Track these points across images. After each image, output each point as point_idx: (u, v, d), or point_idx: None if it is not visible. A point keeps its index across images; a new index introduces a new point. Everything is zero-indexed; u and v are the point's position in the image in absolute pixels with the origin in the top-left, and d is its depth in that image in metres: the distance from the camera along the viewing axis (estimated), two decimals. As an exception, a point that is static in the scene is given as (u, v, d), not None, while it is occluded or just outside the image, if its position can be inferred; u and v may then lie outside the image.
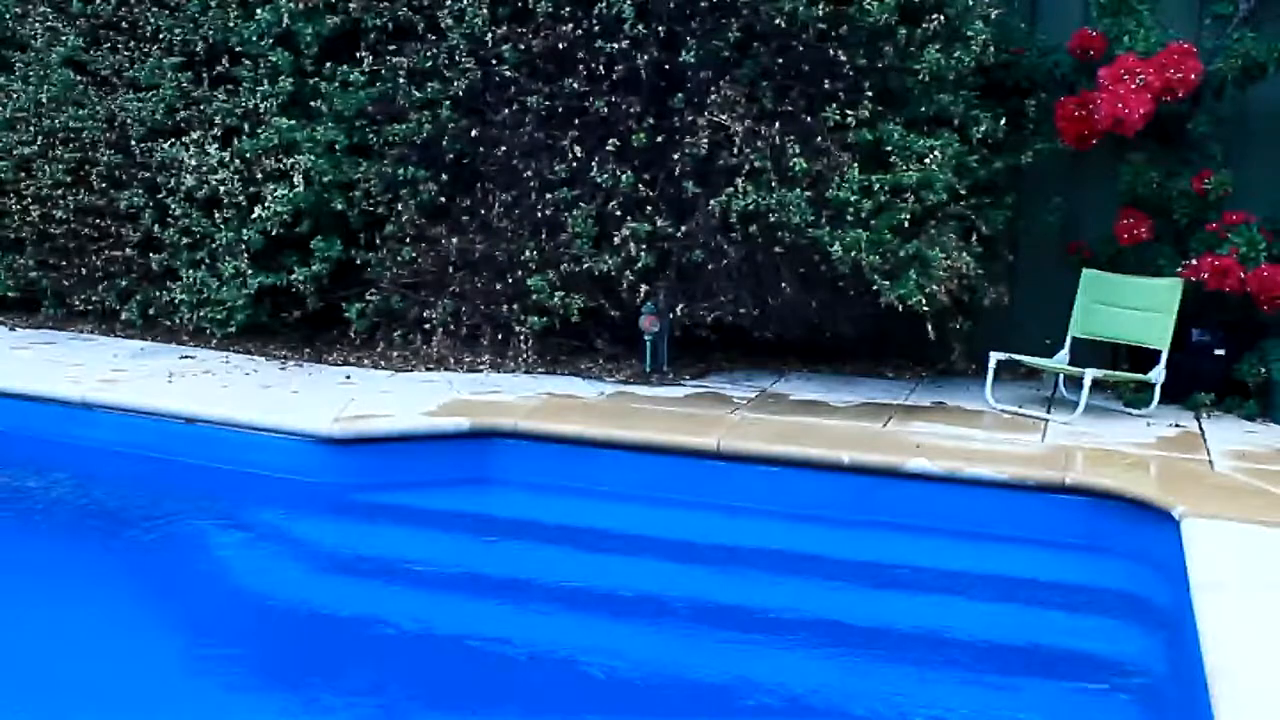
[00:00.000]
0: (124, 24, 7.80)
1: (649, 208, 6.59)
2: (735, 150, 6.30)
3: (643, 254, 6.59)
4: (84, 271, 8.00)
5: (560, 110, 6.74)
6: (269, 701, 3.81)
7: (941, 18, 6.24)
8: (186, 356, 7.32)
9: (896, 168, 6.19)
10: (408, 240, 7.19)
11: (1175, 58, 6.25)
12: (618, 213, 6.62)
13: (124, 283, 7.91)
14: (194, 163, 7.39)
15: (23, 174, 8.03)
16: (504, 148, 6.82)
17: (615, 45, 6.48)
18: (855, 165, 6.16)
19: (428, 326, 7.20)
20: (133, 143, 7.66)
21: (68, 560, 4.86)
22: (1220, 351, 6.50)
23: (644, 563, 5.06)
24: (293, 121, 7.19)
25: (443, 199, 7.10)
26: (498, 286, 6.98)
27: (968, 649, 4.30)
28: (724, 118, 6.29)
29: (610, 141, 6.57)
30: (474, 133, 6.89)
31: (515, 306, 6.99)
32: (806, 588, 4.80)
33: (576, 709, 3.77)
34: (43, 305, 8.40)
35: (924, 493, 5.22)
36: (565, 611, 4.56)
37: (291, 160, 7.17)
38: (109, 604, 4.42)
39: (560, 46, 6.62)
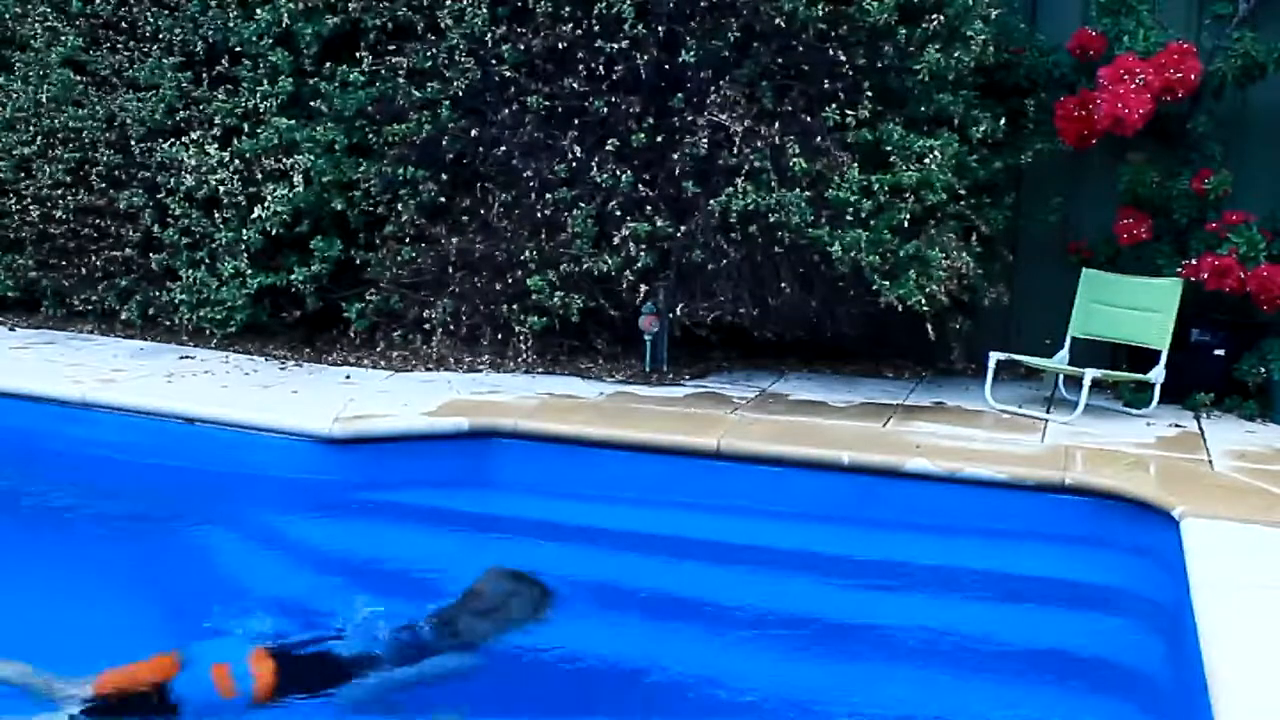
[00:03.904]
0: (124, 24, 7.80)
1: (649, 208, 6.59)
2: (735, 150, 6.30)
3: (643, 254, 6.58)
4: (84, 271, 8.00)
5: (560, 110, 6.74)
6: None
7: (941, 18, 6.24)
8: (186, 356, 7.32)
9: (896, 168, 6.19)
10: (408, 240, 7.20)
11: (1175, 58, 6.25)
12: (618, 213, 6.62)
13: (124, 283, 7.91)
14: (194, 163, 7.39)
15: (23, 174, 8.02)
16: (504, 148, 6.83)
17: (615, 45, 6.48)
18: (855, 165, 6.16)
19: (427, 326, 7.21)
20: (133, 143, 7.66)
21: (67, 560, 4.86)
22: (1220, 351, 6.51)
23: (643, 562, 5.05)
24: (293, 121, 7.19)
25: (443, 199, 7.10)
26: (498, 286, 6.98)
27: (967, 649, 4.30)
28: (724, 118, 6.29)
29: (610, 141, 6.57)
30: (474, 133, 6.89)
31: (515, 306, 6.99)
32: (806, 587, 4.79)
33: (570, 707, 3.76)
34: (43, 305, 8.40)
35: (924, 493, 5.22)
36: (564, 611, 4.55)
37: (291, 160, 7.18)
38: (108, 604, 4.42)
39: (560, 46, 6.62)
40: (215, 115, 7.43)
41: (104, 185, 7.80)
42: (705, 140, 6.35)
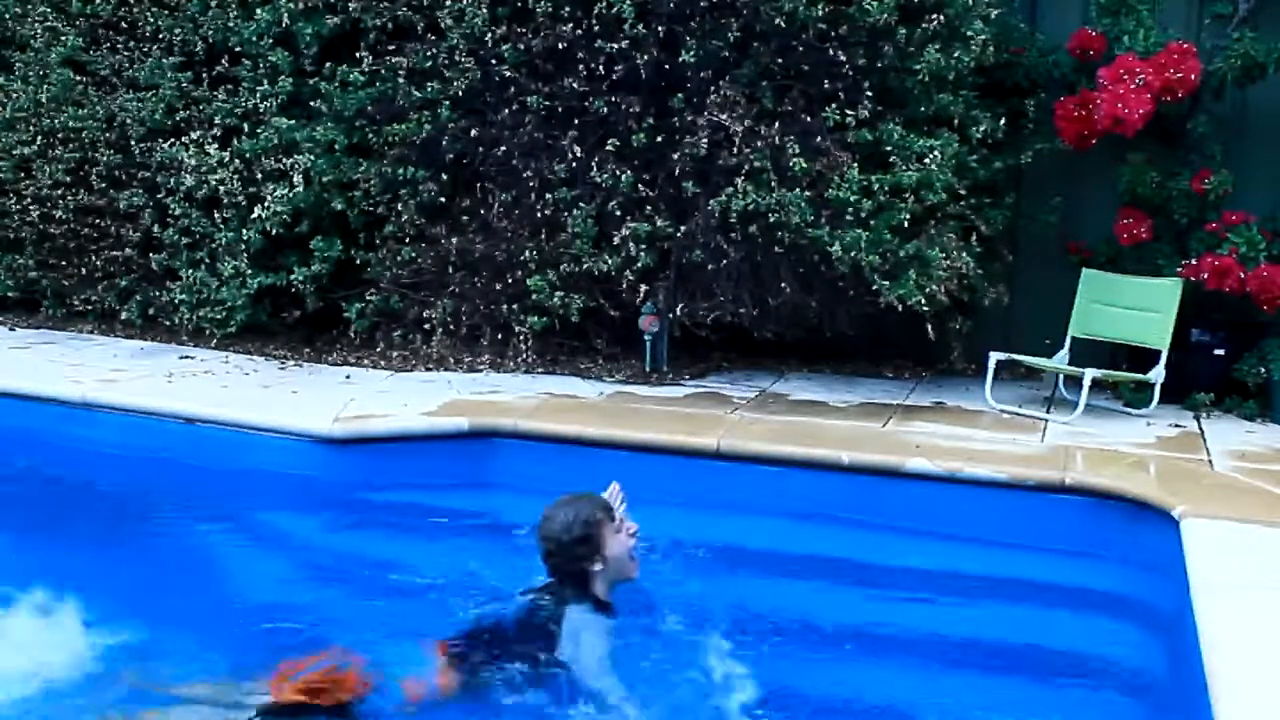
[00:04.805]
0: (124, 24, 7.80)
1: (649, 208, 6.59)
2: (735, 150, 6.30)
3: (643, 254, 6.58)
4: (84, 271, 8.01)
5: (560, 110, 6.74)
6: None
7: (941, 18, 6.24)
8: (186, 356, 7.33)
9: (896, 168, 6.19)
10: (408, 240, 7.20)
11: (1175, 58, 6.25)
12: (618, 213, 6.62)
13: (124, 283, 7.91)
14: (194, 163, 7.39)
15: (23, 174, 8.03)
16: (504, 148, 6.83)
17: (615, 45, 6.48)
18: (855, 165, 6.16)
19: (427, 326, 7.21)
20: (133, 143, 7.66)
21: (66, 561, 4.85)
22: (1220, 351, 6.51)
23: (641, 562, 5.03)
24: (293, 121, 7.20)
25: (443, 199, 7.10)
26: (498, 286, 6.98)
27: (966, 649, 4.29)
28: (724, 118, 6.29)
29: (610, 141, 6.57)
30: (474, 133, 6.89)
31: (515, 306, 6.99)
32: (805, 588, 4.79)
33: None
34: (43, 305, 8.40)
35: (924, 493, 5.21)
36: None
37: (291, 160, 7.18)
38: (107, 606, 4.41)
39: (560, 46, 6.62)
40: (215, 115, 7.44)
41: (104, 185, 7.80)
42: (705, 140, 6.35)
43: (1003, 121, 6.60)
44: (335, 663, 3.67)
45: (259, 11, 7.23)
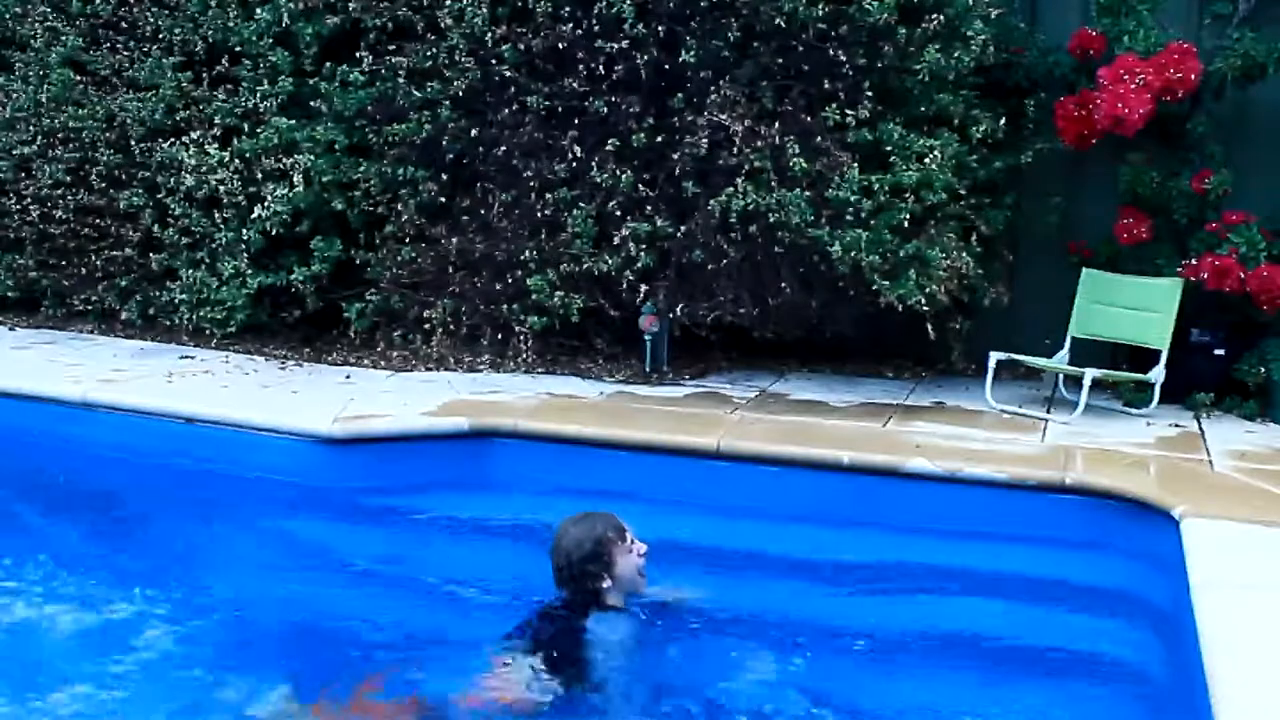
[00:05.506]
0: (124, 24, 7.81)
1: (649, 208, 6.59)
2: (735, 150, 6.30)
3: (643, 254, 6.58)
4: (84, 271, 8.01)
5: (560, 110, 6.74)
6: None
7: (941, 18, 6.24)
8: (186, 356, 7.33)
9: (896, 168, 6.19)
10: (408, 240, 7.20)
11: (1175, 58, 6.25)
12: (618, 213, 6.62)
13: (124, 283, 7.91)
14: (194, 163, 7.40)
15: (23, 174, 8.03)
16: (504, 148, 6.82)
17: (615, 45, 6.48)
18: (855, 165, 6.16)
19: (428, 326, 7.21)
20: (133, 143, 7.66)
21: (65, 561, 4.85)
22: (1220, 351, 6.51)
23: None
24: (293, 121, 7.20)
25: (443, 199, 7.10)
26: (498, 286, 6.98)
27: (967, 649, 4.30)
28: (724, 118, 6.29)
29: (610, 141, 6.57)
30: (474, 133, 6.89)
31: (515, 306, 6.99)
32: (805, 588, 4.79)
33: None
34: (43, 305, 8.41)
35: (924, 493, 5.21)
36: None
37: (291, 160, 7.18)
38: (106, 606, 4.41)
39: (560, 46, 6.62)
40: (215, 115, 7.44)
41: (104, 185, 7.80)
42: (705, 140, 6.35)
43: (1003, 121, 6.60)
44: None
45: (259, 11, 7.23)
